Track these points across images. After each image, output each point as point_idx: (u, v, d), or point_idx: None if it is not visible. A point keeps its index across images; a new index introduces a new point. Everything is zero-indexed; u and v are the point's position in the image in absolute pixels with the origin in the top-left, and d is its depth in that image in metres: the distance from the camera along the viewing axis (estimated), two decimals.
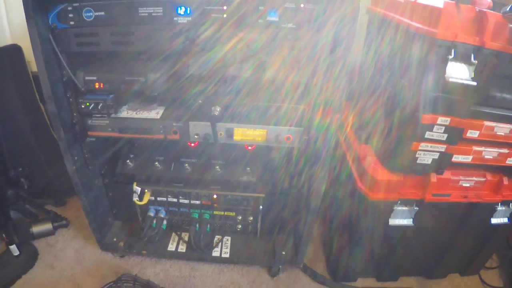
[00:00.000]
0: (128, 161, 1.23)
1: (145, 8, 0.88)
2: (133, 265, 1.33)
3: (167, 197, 1.26)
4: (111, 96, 1.02)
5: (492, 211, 1.09)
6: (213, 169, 1.21)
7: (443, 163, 0.99)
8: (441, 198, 1.04)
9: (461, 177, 1.04)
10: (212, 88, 1.01)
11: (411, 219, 1.08)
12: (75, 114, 1.05)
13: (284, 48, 0.90)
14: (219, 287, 1.27)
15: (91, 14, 0.90)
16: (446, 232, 1.17)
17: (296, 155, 1.20)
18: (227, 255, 1.29)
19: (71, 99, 1.03)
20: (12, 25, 1.44)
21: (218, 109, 1.01)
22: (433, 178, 1.02)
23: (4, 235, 1.24)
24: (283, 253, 1.30)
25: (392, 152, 1.00)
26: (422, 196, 1.04)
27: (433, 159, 0.98)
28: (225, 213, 1.30)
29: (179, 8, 0.87)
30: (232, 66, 1.02)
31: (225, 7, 0.86)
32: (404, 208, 1.06)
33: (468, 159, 0.98)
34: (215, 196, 1.24)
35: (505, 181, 1.04)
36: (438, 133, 0.94)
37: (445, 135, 0.94)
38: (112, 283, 1.17)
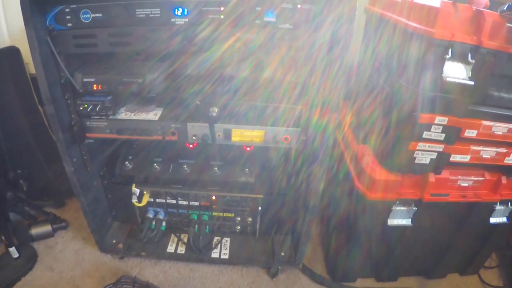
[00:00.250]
0: (126, 162, 1.23)
1: (142, 9, 0.88)
2: (132, 266, 1.33)
3: (166, 199, 1.25)
4: (109, 97, 1.03)
5: (490, 211, 1.09)
6: (212, 170, 1.21)
7: (441, 162, 0.99)
8: (439, 198, 1.04)
9: (459, 177, 1.04)
10: (210, 88, 1.01)
11: (410, 219, 1.08)
12: (73, 116, 1.05)
13: (281, 49, 0.90)
14: None
15: (89, 15, 0.90)
16: (445, 232, 1.17)
17: (294, 156, 1.20)
18: (226, 256, 1.29)
19: (69, 101, 1.03)
20: (10, 27, 1.44)
21: (216, 110, 1.01)
22: (431, 177, 1.02)
23: (3, 237, 1.24)
24: (282, 253, 1.30)
25: (390, 152, 1.00)
26: (421, 196, 1.04)
27: (431, 159, 0.98)
28: (224, 214, 1.29)
29: (176, 9, 0.87)
30: (230, 67, 1.02)
31: (222, 8, 0.86)
32: (403, 208, 1.06)
33: (466, 158, 0.98)
34: (213, 197, 1.24)
35: (504, 180, 1.04)
36: (436, 132, 0.94)
37: (443, 135, 0.94)
38: (111, 285, 1.16)
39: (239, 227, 1.33)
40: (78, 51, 0.95)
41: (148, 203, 1.25)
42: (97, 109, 1.02)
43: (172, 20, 0.88)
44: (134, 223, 1.34)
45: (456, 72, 0.85)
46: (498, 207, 1.08)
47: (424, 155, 0.97)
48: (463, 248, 1.23)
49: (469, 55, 0.83)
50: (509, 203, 1.09)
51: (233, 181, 1.22)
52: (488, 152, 0.98)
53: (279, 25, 0.88)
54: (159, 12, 0.88)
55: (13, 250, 1.25)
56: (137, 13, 0.88)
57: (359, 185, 1.07)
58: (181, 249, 1.31)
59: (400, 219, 1.08)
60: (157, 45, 0.91)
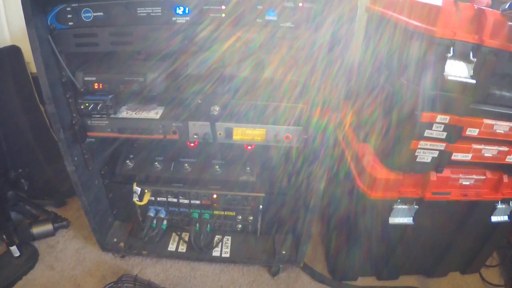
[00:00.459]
0: (127, 161, 1.23)
1: (143, 8, 0.88)
2: (133, 265, 1.33)
3: (167, 197, 1.26)
4: (110, 96, 1.03)
5: (492, 209, 1.09)
6: (213, 168, 1.21)
7: (442, 161, 0.99)
8: (441, 197, 1.04)
9: (460, 175, 1.04)
10: (211, 87, 1.02)
11: (411, 218, 1.08)
12: (74, 115, 1.05)
13: (282, 47, 0.89)
14: (219, 287, 1.27)
15: (90, 14, 0.90)
16: (447, 231, 1.17)
17: (295, 154, 1.20)
18: (227, 255, 1.29)
19: (70, 100, 1.03)
20: (11, 26, 1.44)
21: (217, 109, 1.01)
22: (433, 176, 1.01)
23: (4, 236, 1.24)
24: (283, 252, 1.30)
25: (391, 151, 1.00)
26: (422, 195, 1.04)
27: (433, 158, 0.98)
28: (225, 213, 1.30)
29: (177, 8, 0.87)
30: (231, 65, 1.02)
31: (223, 7, 0.86)
32: (404, 206, 1.06)
33: (467, 157, 0.98)
34: (215, 196, 1.24)
35: (505, 179, 1.04)
36: (437, 131, 0.94)
37: (445, 133, 0.94)
38: (112, 284, 1.17)
39: (240, 226, 1.33)
40: (79, 50, 0.95)
41: (149, 202, 1.25)
42: (98, 108, 1.02)
43: (173, 19, 0.88)
44: (135, 222, 1.35)
45: (458, 70, 0.85)
46: (499, 206, 1.08)
47: (425, 154, 0.97)
48: (464, 246, 1.23)
49: (471, 53, 0.83)
50: (511, 202, 1.08)
51: (234, 180, 1.22)
52: (489, 151, 0.98)
53: (280, 23, 0.87)
54: (160, 11, 0.87)
55: (14, 249, 1.25)
56: (138, 12, 0.88)
57: (360, 184, 1.07)
58: (182, 248, 1.32)
59: (401, 218, 1.08)
60: (158, 44, 0.91)
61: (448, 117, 0.91)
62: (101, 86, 1.02)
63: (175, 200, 1.26)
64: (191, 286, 1.27)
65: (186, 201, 1.26)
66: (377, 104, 1.11)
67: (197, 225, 1.28)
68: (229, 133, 1.07)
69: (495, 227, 1.15)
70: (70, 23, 0.91)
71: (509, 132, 0.94)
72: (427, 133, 0.94)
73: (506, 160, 1.00)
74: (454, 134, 0.94)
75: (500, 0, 0.84)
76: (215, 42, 0.90)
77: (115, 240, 1.32)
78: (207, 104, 1.02)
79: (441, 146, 0.96)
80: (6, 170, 1.41)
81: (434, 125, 0.92)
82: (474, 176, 1.05)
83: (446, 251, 1.22)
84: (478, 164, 1.02)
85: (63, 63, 0.94)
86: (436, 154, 0.97)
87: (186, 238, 1.33)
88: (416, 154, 0.97)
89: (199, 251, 1.27)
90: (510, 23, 0.81)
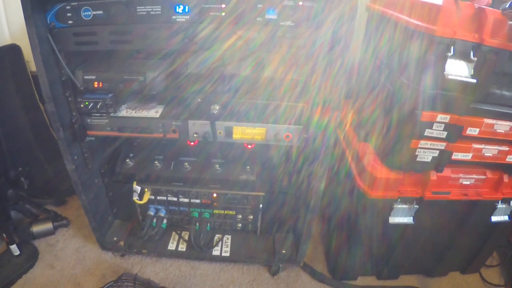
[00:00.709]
0: (127, 160, 1.23)
1: (143, 7, 0.87)
2: (133, 264, 1.33)
3: (167, 196, 1.26)
4: (110, 95, 1.02)
5: (492, 209, 1.09)
6: (213, 168, 1.21)
7: (442, 160, 0.98)
8: (441, 196, 1.04)
9: (461, 175, 1.04)
10: (211, 86, 1.01)
11: (411, 217, 1.08)
12: (74, 114, 1.05)
13: (282, 46, 0.89)
14: (219, 286, 1.27)
15: (90, 13, 0.89)
16: (447, 230, 1.17)
17: (295, 154, 1.20)
18: (227, 254, 1.29)
19: (70, 99, 1.03)
20: (11, 25, 1.44)
21: (217, 108, 1.01)
22: (433, 176, 1.01)
23: (4, 235, 1.24)
24: (283, 251, 1.30)
25: (391, 150, 1.00)
26: (422, 194, 1.04)
27: (433, 157, 0.98)
28: (225, 212, 1.30)
29: (177, 7, 0.87)
30: (231, 64, 1.02)
31: (223, 5, 0.86)
32: (404, 206, 1.06)
33: (468, 156, 0.98)
34: (215, 195, 1.24)
35: (505, 178, 1.04)
36: (437, 130, 0.93)
37: (445, 133, 0.94)
38: (112, 283, 1.17)
39: (240, 225, 1.33)
40: (79, 48, 0.94)
41: (149, 200, 1.25)
42: (98, 106, 1.02)
43: (173, 17, 0.88)
44: (135, 221, 1.35)
45: (458, 70, 0.85)
46: (499, 205, 1.08)
47: (425, 153, 0.97)
48: (464, 246, 1.22)
49: (471, 53, 0.83)
50: (511, 202, 1.08)
51: (234, 179, 1.22)
52: (490, 150, 0.98)
53: (280, 22, 0.87)
54: (160, 9, 0.87)
55: (14, 248, 1.26)
56: (138, 10, 0.88)
57: (361, 183, 1.07)
58: (182, 247, 1.32)
59: (401, 217, 1.07)
60: (158, 42, 0.91)
61: (448, 117, 0.91)
62: (101, 85, 1.02)
63: (175, 199, 1.26)
64: (191, 285, 1.27)
65: (186, 200, 1.26)
66: (378, 104, 1.10)
67: (197, 224, 1.28)
68: (229, 132, 1.07)
69: (495, 226, 1.15)
70: (70, 22, 0.91)
71: (510, 132, 0.94)
72: (427, 132, 0.94)
73: (507, 159, 1.00)
74: (455, 134, 0.94)
75: None
76: (215, 41, 0.90)
77: (115, 239, 1.32)
78: (207, 103, 1.02)
79: (441, 145, 0.96)
80: (6, 169, 1.41)
81: (435, 124, 0.92)
82: (474, 176, 1.05)
83: (446, 250, 1.22)
84: (478, 164, 1.02)
85: (63, 62, 0.94)
86: (436, 153, 0.97)
87: (186, 237, 1.33)
88: (416, 153, 0.97)
89: (199, 250, 1.27)
90: (510, 22, 0.81)
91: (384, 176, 1.01)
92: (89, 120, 1.07)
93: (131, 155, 1.25)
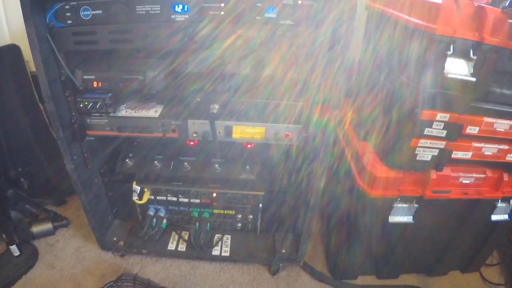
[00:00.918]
0: (127, 160, 1.23)
1: (142, 6, 0.87)
2: (133, 264, 1.33)
3: (166, 196, 1.25)
4: (109, 94, 1.02)
5: (492, 208, 1.09)
6: (213, 167, 1.21)
7: (442, 159, 0.98)
8: (441, 195, 1.04)
9: (461, 174, 1.04)
10: (211, 85, 1.01)
11: (411, 216, 1.07)
12: (73, 113, 1.05)
13: (282, 45, 0.89)
14: (219, 286, 1.27)
15: (89, 12, 0.89)
16: (447, 229, 1.17)
17: (295, 153, 1.20)
18: (227, 254, 1.29)
19: (69, 98, 1.02)
20: (10, 25, 1.44)
21: (217, 107, 1.01)
22: (433, 174, 1.01)
23: (4, 235, 1.24)
24: (283, 251, 1.30)
25: (391, 149, 1.00)
26: (422, 193, 1.04)
27: (433, 156, 0.98)
28: (225, 212, 1.29)
29: (176, 6, 0.87)
30: (230, 63, 1.02)
31: (222, 4, 0.85)
32: (404, 205, 1.06)
33: (467, 155, 0.98)
34: (214, 195, 1.24)
35: (505, 177, 1.04)
36: (437, 129, 0.93)
37: (445, 132, 0.94)
38: (112, 283, 1.17)
39: (240, 225, 1.33)
40: (78, 48, 0.94)
41: (149, 200, 1.25)
42: (98, 106, 1.02)
43: (173, 16, 0.88)
44: (134, 220, 1.35)
45: (458, 68, 0.85)
46: (499, 204, 1.08)
47: (425, 152, 0.97)
48: (464, 245, 1.22)
49: (471, 51, 0.83)
50: (511, 201, 1.08)
51: (234, 179, 1.22)
52: (489, 149, 0.98)
53: (280, 21, 0.87)
54: (159, 8, 0.87)
55: (14, 248, 1.25)
56: (137, 9, 0.88)
57: (360, 182, 1.07)
58: (182, 247, 1.31)
59: (401, 216, 1.07)
60: (157, 42, 0.91)
61: (448, 115, 0.91)
62: (100, 85, 1.02)
63: (174, 198, 1.26)
64: (191, 285, 1.27)
65: (185, 200, 1.26)
66: (377, 102, 1.10)
67: (197, 223, 1.28)
68: (228, 131, 1.07)
69: (495, 225, 1.15)
70: (69, 21, 0.91)
71: (510, 130, 0.94)
72: (427, 131, 0.93)
73: (507, 158, 0.99)
74: (454, 132, 0.94)
75: None
76: (215, 40, 0.89)
77: (114, 239, 1.32)
78: (206, 102, 1.02)
79: (441, 144, 0.96)
80: (6, 169, 1.41)
81: (434, 123, 0.92)
82: (474, 175, 1.04)
83: (446, 249, 1.22)
84: (478, 163, 1.02)
85: (62, 62, 0.94)
86: (436, 152, 0.97)
87: (186, 237, 1.33)
88: (416, 152, 0.97)
89: (199, 250, 1.27)
90: (510, 20, 0.80)
91: (384, 175, 1.01)
92: (88, 120, 1.07)
93: (130, 154, 1.25)
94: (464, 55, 0.84)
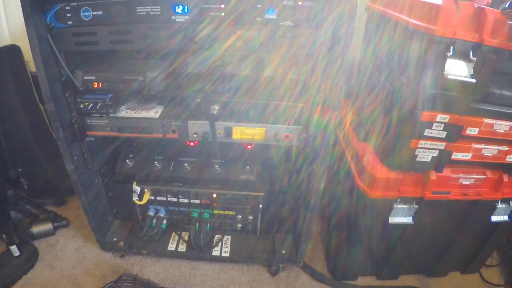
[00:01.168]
0: (127, 160, 1.23)
1: (143, 7, 0.87)
2: (133, 264, 1.33)
3: (166, 197, 1.25)
4: (109, 95, 1.02)
5: (492, 209, 1.09)
6: (213, 168, 1.21)
7: (442, 160, 0.98)
8: (441, 196, 1.04)
9: (460, 175, 1.04)
10: (211, 86, 1.01)
11: (411, 217, 1.07)
12: (74, 114, 1.05)
13: (282, 46, 0.89)
14: (219, 286, 1.27)
15: (89, 13, 0.89)
16: (447, 230, 1.17)
17: (295, 153, 1.20)
18: (227, 254, 1.29)
19: (69, 99, 1.03)
20: (11, 26, 1.44)
21: (217, 108, 1.01)
22: (433, 175, 1.01)
23: (4, 236, 1.24)
24: (283, 251, 1.30)
25: (391, 150, 1.00)
26: (422, 194, 1.04)
27: (433, 157, 0.98)
28: (225, 212, 1.29)
29: (177, 7, 0.87)
30: (231, 64, 1.02)
31: (223, 5, 0.86)
32: (404, 206, 1.06)
33: (467, 156, 0.98)
34: (214, 195, 1.24)
35: (505, 178, 1.04)
36: (437, 130, 0.93)
37: (445, 133, 0.94)
38: (112, 283, 1.17)
39: (240, 225, 1.33)
40: (79, 49, 0.94)
41: (149, 201, 1.25)
42: (98, 107, 1.02)
43: (173, 17, 0.88)
44: (135, 221, 1.35)
45: (458, 69, 0.85)
46: (499, 205, 1.08)
47: (425, 153, 0.97)
48: (464, 246, 1.22)
49: (471, 52, 0.83)
50: (511, 202, 1.08)
51: (234, 179, 1.22)
52: (489, 150, 0.98)
53: (280, 22, 0.87)
54: (159, 9, 0.87)
55: (14, 249, 1.25)
56: (137, 10, 0.88)
57: (360, 183, 1.07)
58: (182, 247, 1.32)
59: (401, 217, 1.07)
60: (157, 43, 0.91)
61: (448, 116, 0.91)
62: (100, 85, 1.01)
63: (174, 199, 1.26)
64: (191, 285, 1.27)
65: (185, 201, 1.26)
66: (377, 103, 1.10)
67: (197, 224, 1.28)
68: (228, 132, 1.07)
69: (495, 226, 1.15)
70: (69, 22, 0.91)
71: (509, 132, 0.94)
72: (427, 132, 0.94)
73: (506, 159, 1.00)
74: (454, 134, 0.94)
75: None
76: (215, 41, 0.90)
77: (114, 239, 1.32)
78: (206, 103, 1.02)
79: (441, 145, 0.96)
80: (6, 169, 1.41)
81: (434, 124, 0.92)
82: (474, 176, 1.05)
83: (446, 250, 1.22)
84: (478, 164, 1.02)
85: (62, 62, 0.94)
86: (436, 153, 0.97)
87: (186, 238, 1.33)
88: (416, 153, 0.97)
89: (199, 251, 1.27)
90: (510, 22, 0.81)
91: (383, 176, 1.01)
92: (88, 121, 1.07)
93: (131, 155, 1.25)
94: (464, 56, 0.84)
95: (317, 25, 0.87)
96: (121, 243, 1.29)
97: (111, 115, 1.06)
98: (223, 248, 1.31)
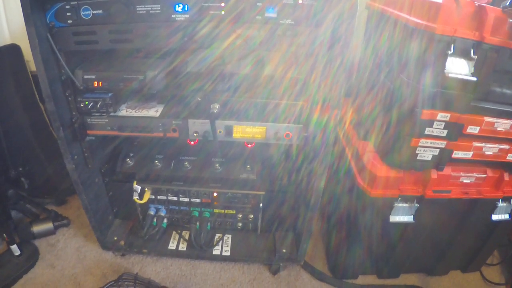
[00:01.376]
0: (128, 159, 1.23)
1: (143, 6, 0.87)
2: (134, 263, 1.33)
3: (167, 196, 1.25)
4: (110, 94, 1.02)
5: (493, 208, 1.09)
6: (213, 167, 1.21)
7: (443, 159, 0.98)
8: (441, 195, 1.04)
9: (461, 173, 1.04)
10: (211, 85, 1.01)
11: (412, 216, 1.07)
12: (74, 113, 1.05)
13: (282, 45, 0.89)
14: (220, 285, 1.27)
15: (89, 12, 0.89)
16: (447, 229, 1.17)
17: (295, 152, 1.20)
18: (228, 253, 1.29)
19: (70, 98, 1.02)
20: (10, 25, 1.44)
21: (217, 107, 1.01)
22: (434, 174, 1.01)
23: (5, 235, 1.24)
24: (284, 250, 1.30)
25: (391, 148, 1.00)
26: (423, 193, 1.04)
27: (433, 155, 0.98)
28: (225, 211, 1.29)
29: (177, 6, 0.86)
30: (231, 63, 1.02)
31: (223, 4, 0.85)
32: (405, 204, 1.06)
33: (468, 155, 0.98)
34: (215, 194, 1.24)
35: (506, 177, 1.04)
36: (438, 129, 0.93)
37: (445, 131, 0.94)
38: (113, 282, 1.17)
39: (240, 224, 1.33)
40: (79, 48, 0.94)
41: (149, 200, 1.25)
42: (98, 106, 1.02)
43: (173, 16, 0.88)
44: (135, 220, 1.35)
45: (458, 68, 0.85)
46: (500, 204, 1.08)
47: (426, 152, 0.97)
48: (465, 245, 1.22)
49: (472, 50, 0.83)
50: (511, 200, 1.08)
51: (235, 178, 1.21)
52: (490, 149, 0.98)
53: (280, 21, 0.87)
54: (159, 8, 0.87)
55: (14, 248, 1.26)
56: (137, 9, 0.88)
57: (361, 182, 1.07)
58: (183, 246, 1.32)
59: (402, 216, 1.07)
60: (157, 41, 0.91)
61: (448, 115, 0.91)
62: (100, 84, 1.01)
63: (175, 198, 1.26)
64: (192, 284, 1.27)
65: (186, 199, 1.26)
66: (378, 102, 1.10)
67: (198, 223, 1.28)
68: (229, 131, 1.07)
69: (496, 225, 1.15)
70: (69, 21, 0.90)
71: (510, 130, 0.93)
72: (427, 130, 0.93)
73: (507, 158, 0.99)
74: (455, 132, 0.94)
75: None
76: (215, 40, 0.89)
77: (115, 238, 1.32)
78: (207, 102, 1.02)
79: (442, 144, 0.96)
80: (6, 168, 1.41)
81: (435, 122, 0.92)
82: (475, 174, 1.04)
83: (447, 249, 1.22)
84: (479, 162, 1.02)
85: (62, 61, 0.94)
86: (436, 152, 0.97)
87: (187, 237, 1.33)
88: (416, 152, 0.97)
89: (199, 250, 1.27)
90: (511, 20, 0.80)
91: (384, 175, 1.01)
92: (89, 120, 1.07)
93: (131, 154, 1.25)
94: (465, 55, 0.84)
95: (317, 24, 0.87)
96: (122, 242, 1.29)
97: (111, 114, 1.06)
98: (223, 247, 1.31)
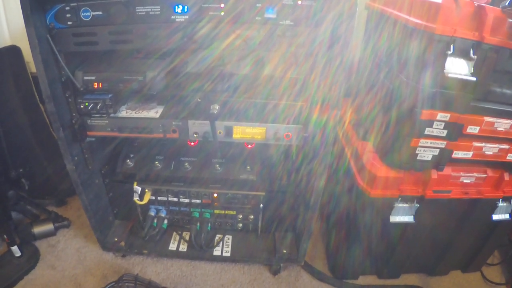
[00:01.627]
0: (128, 160, 1.23)
1: (142, 7, 0.87)
2: (134, 264, 1.33)
3: (167, 196, 1.25)
4: (110, 95, 1.02)
5: (493, 208, 1.09)
6: (213, 167, 1.21)
7: (443, 159, 0.98)
8: (441, 195, 1.04)
9: (461, 173, 1.04)
10: (211, 86, 1.01)
11: (412, 216, 1.07)
12: (74, 114, 1.05)
13: (282, 45, 0.89)
14: (220, 286, 1.27)
15: (89, 13, 0.89)
16: (447, 229, 1.17)
17: (295, 152, 1.20)
18: (228, 254, 1.29)
19: (70, 99, 1.03)
20: (11, 26, 1.45)
21: (217, 107, 1.01)
22: (434, 174, 1.01)
23: (5, 236, 1.24)
24: (284, 251, 1.30)
25: (391, 148, 1.00)
26: (423, 193, 1.04)
27: (433, 155, 0.98)
28: (226, 212, 1.29)
29: (176, 7, 0.87)
30: (230, 63, 1.02)
31: (222, 5, 0.85)
32: (405, 204, 1.06)
33: (468, 155, 0.98)
34: (215, 195, 1.24)
35: (506, 177, 1.04)
36: (437, 129, 0.93)
37: (445, 131, 0.94)
38: (113, 283, 1.17)
39: (240, 225, 1.33)
40: (79, 49, 0.94)
41: (150, 201, 1.25)
42: (98, 107, 1.02)
43: (172, 17, 0.88)
44: (135, 221, 1.35)
45: (458, 68, 0.85)
46: (500, 204, 1.08)
47: (426, 152, 0.97)
48: (465, 245, 1.22)
49: (471, 51, 0.83)
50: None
51: (235, 179, 1.22)
52: (490, 149, 0.97)
53: (279, 21, 0.87)
54: (159, 9, 0.87)
55: (15, 249, 1.26)
56: (137, 10, 0.88)
57: (360, 182, 1.07)
58: (183, 247, 1.32)
59: (402, 216, 1.07)
60: (157, 42, 0.91)
61: (448, 115, 0.91)
62: (100, 85, 1.01)
63: (175, 199, 1.26)
64: (192, 285, 1.27)
65: (186, 200, 1.26)
66: (377, 102, 1.10)
67: (198, 224, 1.28)
68: (229, 131, 1.07)
69: (496, 225, 1.15)
70: (69, 23, 0.91)
71: (510, 130, 0.93)
72: (427, 131, 0.93)
73: (507, 158, 0.99)
74: (455, 132, 0.94)
75: None
76: (214, 40, 0.89)
77: (115, 239, 1.32)
78: (206, 103, 1.02)
79: (442, 144, 0.96)
80: (6, 169, 1.41)
81: (435, 122, 0.92)
82: (475, 174, 1.04)
83: (447, 249, 1.22)
84: (479, 162, 1.02)
85: (62, 63, 0.94)
86: (436, 152, 0.97)
87: (187, 237, 1.33)
88: (416, 152, 0.97)
89: (199, 250, 1.28)
90: (510, 20, 0.80)
91: (384, 175, 1.01)
92: (89, 121, 1.07)
93: (131, 155, 1.25)
94: (464, 55, 0.84)
95: (317, 24, 0.87)
96: (122, 243, 1.29)
97: (111, 115, 1.06)
98: (224, 247, 1.31)
